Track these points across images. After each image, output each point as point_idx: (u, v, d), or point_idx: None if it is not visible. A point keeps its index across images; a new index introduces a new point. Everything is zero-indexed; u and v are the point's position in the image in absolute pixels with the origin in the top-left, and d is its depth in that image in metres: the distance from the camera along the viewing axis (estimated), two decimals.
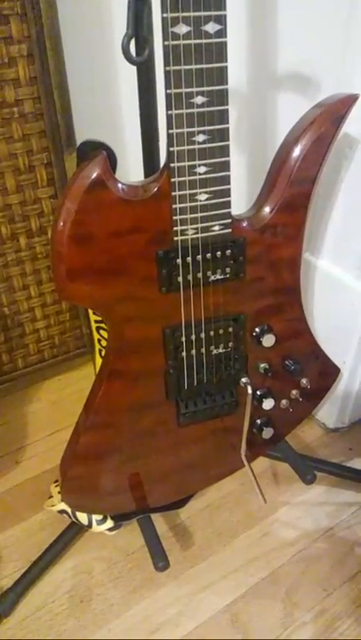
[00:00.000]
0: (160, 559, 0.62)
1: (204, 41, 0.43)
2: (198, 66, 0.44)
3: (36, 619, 0.64)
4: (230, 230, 0.52)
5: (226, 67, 0.45)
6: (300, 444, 0.83)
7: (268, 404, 0.62)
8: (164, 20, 0.42)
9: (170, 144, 0.47)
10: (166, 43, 0.43)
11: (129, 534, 0.71)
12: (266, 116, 0.72)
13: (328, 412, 0.84)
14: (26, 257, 0.75)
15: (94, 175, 0.46)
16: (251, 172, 0.76)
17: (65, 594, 0.66)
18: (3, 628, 0.63)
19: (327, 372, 0.68)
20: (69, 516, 0.68)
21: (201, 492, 0.76)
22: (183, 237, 0.51)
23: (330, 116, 0.52)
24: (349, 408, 0.82)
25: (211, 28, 0.43)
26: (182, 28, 0.42)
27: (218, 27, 0.43)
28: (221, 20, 0.43)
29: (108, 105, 0.74)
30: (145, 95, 0.49)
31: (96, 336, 0.75)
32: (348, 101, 0.52)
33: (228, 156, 0.49)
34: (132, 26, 0.38)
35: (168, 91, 0.44)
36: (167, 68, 0.44)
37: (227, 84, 0.46)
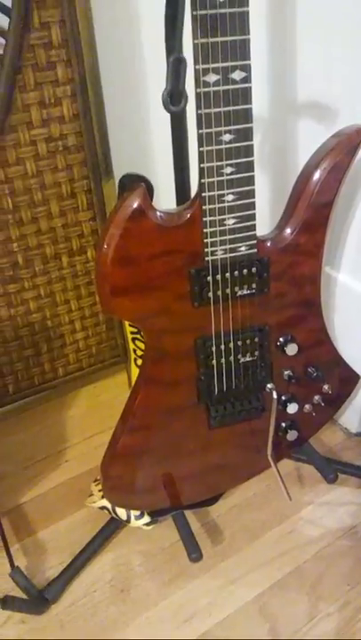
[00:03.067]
0: (194, 551, 0.67)
1: (231, 87, 0.49)
2: (226, 108, 0.50)
3: (81, 605, 0.70)
4: (255, 250, 0.58)
5: (250, 108, 0.51)
6: (323, 448, 0.87)
7: (292, 408, 0.68)
8: (196, 70, 0.48)
9: (201, 176, 0.53)
10: (198, 90, 0.49)
11: (164, 530, 0.76)
12: (287, 142, 0.78)
13: (350, 418, 0.88)
14: (67, 274, 0.83)
15: (135, 205, 0.53)
16: (274, 194, 0.82)
17: (106, 584, 0.72)
18: (51, 613, 0.69)
19: (348, 379, 0.72)
20: (109, 512, 0.74)
21: (230, 491, 0.80)
22: (213, 257, 0.57)
23: (345, 146, 0.58)
24: None
25: (237, 75, 0.49)
26: (212, 77, 0.49)
27: (243, 74, 0.49)
28: (246, 68, 0.49)
29: (142, 138, 0.81)
30: (177, 133, 0.56)
31: (131, 346, 0.81)
32: None
33: (253, 184, 0.55)
34: (171, 82, 0.44)
35: (200, 130, 0.51)
36: (199, 112, 0.50)
37: (251, 122, 0.52)
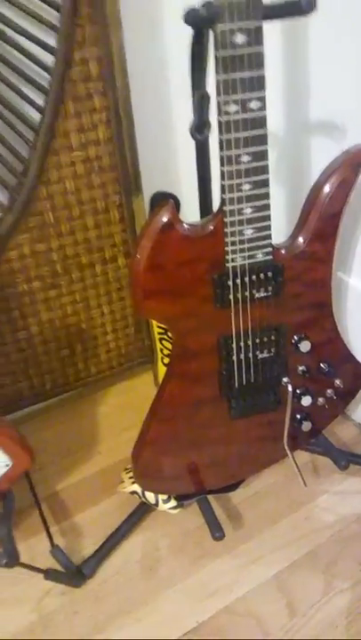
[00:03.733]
0: (217, 530, 0.74)
1: (249, 115, 0.57)
2: (245, 133, 0.57)
3: (113, 580, 0.77)
4: (271, 257, 0.64)
5: (266, 133, 0.58)
6: (338, 441, 0.92)
7: (306, 401, 0.74)
8: (218, 102, 0.56)
9: (222, 192, 0.60)
10: (220, 119, 0.56)
11: (189, 514, 0.82)
12: (301, 157, 0.85)
13: None
14: (100, 281, 0.91)
15: (165, 219, 0.60)
16: (289, 205, 0.88)
17: (136, 562, 0.79)
18: (87, 586, 0.76)
19: (358, 375, 0.78)
20: (139, 496, 0.81)
21: (250, 480, 0.87)
22: (233, 264, 0.63)
23: (352, 163, 0.64)
24: None
25: (254, 105, 0.56)
26: (232, 107, 0.56)
27: (259, 104, 0.56)
28: (262, 98, 0.56)
29: (168, 158, 0.89)
30: (201, 155, 0.63)
31: (159, 346, 0.88)
32: None
33: (268, 199, 0.61)
34: (197, 115, 0.52)
35: (222, 153, 0.58)
36: (221, 137, 0.57)
37: (266, 144, 0.59)
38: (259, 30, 0.53)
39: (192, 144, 0.64)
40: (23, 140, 0.75)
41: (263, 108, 0.57)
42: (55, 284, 0.87)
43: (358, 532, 0.80)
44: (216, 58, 0.53)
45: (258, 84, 0.56)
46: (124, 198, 0.84)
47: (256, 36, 0.53)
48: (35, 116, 0.74)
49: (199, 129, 0.52)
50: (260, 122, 0.57)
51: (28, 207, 0.78)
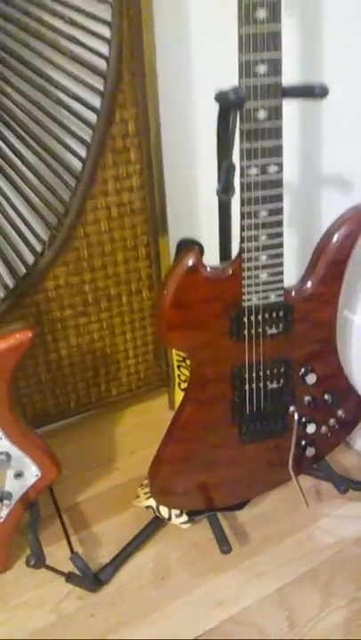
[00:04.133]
0: (225, 544, 0.80)
1: (267, 178, 0.66)
2: (263, 193, 0.66)
3: (128, 587, 0.83)
4: (283, 298, 0.73)
5: (281, 193, 0.67)
6: (340, 469, 0.99)
7: (310, 428, 0.81)
8: (241, 166, 0.65)
9: (242, 241, 0.68)
10: (242, 180, 0.65)
11: (199, 530, 0.89)
12: (313, 208, 0.94)
13: None
14: (125, 310, 0.99)
15: (190, 263, 0.68)
16: (301, 249, 0.97)
17: (149, 571, 0.85)
18: (103, 591, 0.82)
19: (359, 406, 0.86)
20: (153, 511, 0.88)
21: (257, 500, 0.93)
22: (249, 303, 0.72)
23: (357, 218, 0.73)
24: None
25: (272, 169, 0.65)
26: (253, 170, 0.65)
27: (277, 168, 0.66)
28: (280, 164, 0.66)
29: (193, 205, 0.99)
30: (223, 209, 0.72)
31: (176, 372, 0.96)
32: None
33: (282, 248, 0.70)
34: (223, 180, 0.61)
35: (242, 209, 0.67)
36: (242, 195, 0.66)
37: (282, 202, 0.68)
38: (278, 108, 0.63)
39: (215, 197, 0.74)
40: (65, 185, 0.85)
41: (280, 171, 0.66)
42: (85, 312, 0.96)
43: (356, 553, 0.86)
44: (241, 130, 0.63)
45: (276, 151, 0.65)
46: (152, 238, 0.93)
47: (276, 113, 0.63)
48: (77, 164, 0.84)
49: (225, 191, 0.61)
50: (277, 183, 0.66)
51: (66, 244, 0.88)
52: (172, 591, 0.82)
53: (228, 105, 0.58)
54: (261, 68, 0.60)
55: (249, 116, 0.62)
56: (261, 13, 0.58)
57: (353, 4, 0.77)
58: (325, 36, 0.81)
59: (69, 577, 0.79)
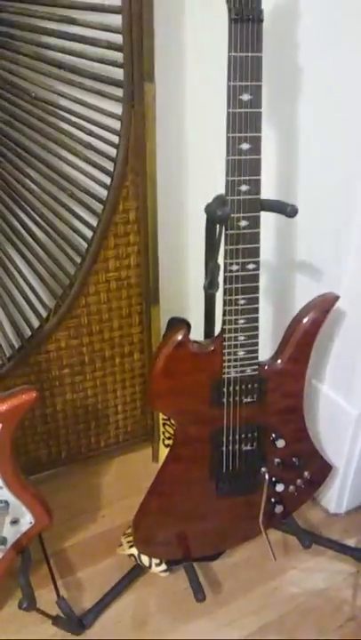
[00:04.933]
0: (199, 593, 0.88)
1: (246, 273, 0.78)
2: (242, 285, 0.78)
3: (109, 632, 0.89)
4: (257, 372, 0.84)
5: (257, 285, 0.79)
6: (307, 524, 1.08)
7: (279, 487, 0.90)
8: (225, 264, 0.77)
9: (223, 324, 0.80)
10: (225, 274, 0.77)
11: (176, 578, 0.96)
12: (287, 285, 1.06)
13: (329, 500, 1.09)
14: (117, 370, 1.09)
15: (179, 339, 0.79)
16: (276, 321, 1.09)
17: (128, 618, 0.92)
18: (86, 635, 0.89)
19: (324, 469, 0.96)
20: (135, 559, 0.95)
21: (230, 552, 1.01)
22: (228, 375, 0.82)
23: (322, 307, 0.84)
24: (345, 498, 1.08)
25: (250, 266, 0.77)
26: (234, 267, 0.77)
27: (254, 265, 0.78)
28: (257, 262, 0.78)
29: (181, 282, 1.12)
30: (209, 296, 0.85)
31: (161, 429, 1.05)
32: (334, 300, 0.85)
33: (257, 330, 0.81)
34: (209, 278, 0.73)
35: (224, 297, 0.78)
36: (225, 286, 0.78)
37: (258, 293, 0.79)
38: (257, 218, 0.76)
39: (202, 278, 0.86)
40: (72, 261, 0.97)
41: (257, 268, 0.78)
42: (81, 371, 1.06)
43: (318, 605, 0.94)
44: (225, 235, 0.75)
45: (254, 252, 0.77)
46: (145, 307, 1.04)
47: (255, 221, 0.76)
48: (83, 244, 0.96)
49: (211, 287, 0.73)
50: (254, 278, 0.78)
51: (69, 312, 0.99)
52: (150, 636, 0.89)
53: (216, 219, 0.71)
54: (244, 187, 0.73)
55: (233, 223, 0.75)
56: (245, 146, 0.71)
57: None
58: (303, 150, 0.96)
59: (56, 620, 0.86)
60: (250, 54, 0.67)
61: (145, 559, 0.95)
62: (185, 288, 1.15)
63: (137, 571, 0.97)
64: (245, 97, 0.70)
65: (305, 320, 0.85)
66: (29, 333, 0.99)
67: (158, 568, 0.95)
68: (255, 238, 0.76)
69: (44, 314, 0.99)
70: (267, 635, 0.89)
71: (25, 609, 0.80)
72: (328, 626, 0.90)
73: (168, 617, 0.92)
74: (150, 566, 0.95)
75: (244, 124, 0.71)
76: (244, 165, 0.72)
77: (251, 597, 0.95)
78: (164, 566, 0.95)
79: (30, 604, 0.80)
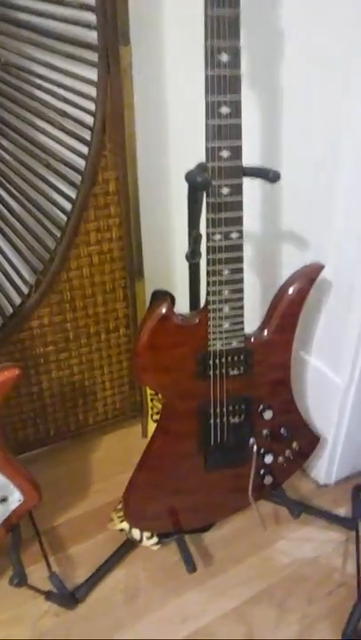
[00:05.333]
0: (190, 564, 0.88)
1: (229, 242, 0.76)
2: (226, 255, 0.76)
3: (101, 605, 0.90)
4: (243, 344, 0.82)
5: (241, 255, 0.77)
6: (296, 494, 1.08)
7: (268, 459, 0.90)
8: (208, 233, 0.75)
9: (208, 295, 0.78)
10: (208, 244, 0.75)
11: (168, 551, 0.97)
12: (273, 256, 1.05)
13: (319, 471, 1.10)
14: (103, 346, 1.08)
15: (163, 311, 0.78)
16: (262, 292, 1.08)
17: (120, 591, 0.92)
18: (78, 610, 0.89)
19: (312, 440, 0.96)
20: (126, 533, 0.96)
21: (220, 524, 1.02)
22: (214, 348, 0.81)
23: (308, 276, 0.83)
24: (334, 469, 1.08)
25: (234, 235, 0.76)
26: (217, 236, 0.75)
27: (238, 234, 0.76)
28: (240, 230, 0.76)
29: (166, 254, 1.09)
30: (193, 268, 0.82)
31: (150, 404, 1.04)
32: (319, 269, 0.84)
33: (242, 301, 0.80)
34: (191, 247, 0.71)
35: (208, 268, 0.76)
36: (208, 257, 0.76)
37: (242, 263, 0.77)
38: (239, 185, 0.73)
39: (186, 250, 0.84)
40: (51, 235, 0.94)
41: (240, 237, 0.76)
42: (66, 348, 1.04)
43: (308, 573, 0.95)
44: (207, 203, 0.73)
45: (237, 221, 0.75)
46: (129, 281, 1.02)
47: (237, 189, 0.73)
48: (62, 218, 0.94)
49: (193, 256, 0.71)
50: (238, 247, 0.77)
51: (51, 287, 0.96)
52: (142, 609, 0.90)
53: (196, 186, 0.69)
54: (225, 154, 0.71)
55: (214, 191, 0.72)
56: (224, 110, 0.69)
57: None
58: (287, 114, 0.93)
59: (48, 595, 0.86)
60: (227, 10, 0.64)
61: (136, 533, 0.95)
62: (170, 261, 1.12)
63: (128, 545, 0.98)
64: (224, 57, 0.67)
65: (290, 290, 0.83)
66: (11, 311, 0.97)
67: (149, 541, 0.95)
68: (238, 206, 0.74)
69: (25, 290, 0.97)
70: (258, 604, 0.90)
71: (16, 585, 0.80)
72: (318, 593, 0.91)
73: (160, 589, 0.93)
74: (141, 540, 0.95)
75: (223, 86, 0.68)
76: (224, 130, 0.70)
77: (242, 568, 0.96)
78: (155, 539, 0.95)
79: (21, 580, 0.80)
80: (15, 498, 0.86)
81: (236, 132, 0.70)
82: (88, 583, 0.92)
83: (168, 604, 0.91)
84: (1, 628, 0.88)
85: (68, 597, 0.89)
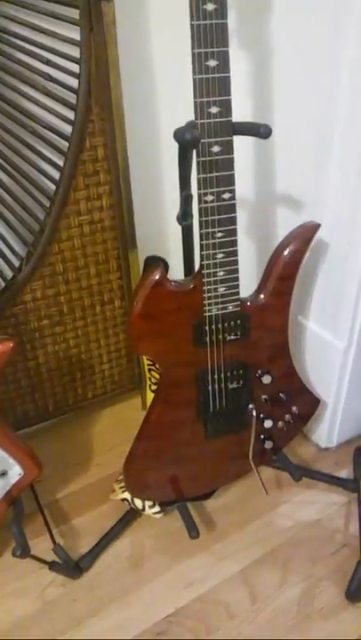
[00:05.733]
0: (193, 530, 0.88)
1: (222, 203, 0.74)
2: (218, 216, 0.75)
3: (107, 573, 0.91)
4: (239, 308, 0.81)
5: (235, 216, 0.75)
6: (298, 459, 1.08)
7: (267, 423, 0.90)
8: (199, 194, 0.73)
9: (201, 259, 0.77)
10: (200, 206, 0.73)
11: (170, 519, 0.97)
12: (268, 220, 1.03)
13: (319, 435, 1.10)
14: (99, 319, 1.07)
15: (156, 278, 0.76)
16: (259, 256, 1.06)
17: (125, 559, 0.93)
18: (83, 579, 0.90)
19: (311, 403, 0.95)
20: (128, 503, 0.96)
21: (221, 490, 1.02)
22: (210, 313, 0.80)
23: (303, 236, 0.82)
24: (335, 433, 1.08)
25: (226, 195, 0.74)
26: (209, 197, 0.73)
27: (230, 194, 0.74)
28: (232, 191, 0.74)
29: (159, 223, 1.07)
30: (186, 231, 0.81)
31: (147, 375, 1.04)
32: (315, 229, 0.82)
33: (237, 265, 0.78)
34: (182, 208, 0.69)
35: (201, 231, 0.75)
36: (200, 219, 0.74)
37: (235, 225, 0.76)
38: (230, 142, 0.71)
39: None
40: (40, 205, 0.92)
41: (233, 197, 0.74)
42: (61, 321, 1.03)
43: (311, 535, 0.95)
44: (197, 162, 0.71)
45: (229, 180, 0.73)
46: (122, 252, 1.00)
47: (228, 147, 0.71)
48: (51, 187, 0.91)
49: (184, 218, 0.70)
50: (231, 208, 0.75)
51: (42, 260, 0.95)
52: (147, 575, 0.90)
53: (185, 144, 0.67)
54: (214, 109, 0.68)
55: (204, 150, 0.70)
56: (212, 63, 0.66)
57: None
58: (276, 70, 0.90)
59: (52, 565, 0.87)
60: None
61: (138, 502, 0.95)
62: (163, 228, 1.10)
63: (131, 514, 0.98)
64: (210, 6, 0.64)
65: (286, 251, 0.82)
66: (3, 284, 0.96)
67: (152, 510, 0.95)
68: (229, 165, 0.72)
69: (16, 263, 0.96)
70: (262, 566, 0.91)
71: (19, 556, 0.80)
72: (321, 553, 0.92)
73: (164, 556, 0.93)
74: (144, 509, 0.95)
75: (210, 37, 0.65)
76: (212, 84, 0.67)
77: (245, 532, 0.96)
78: (157, 508, 0.95)
79: (24, 551, 0.80)
80: (15, 472, 0.86)
81: (224, 86, 0.68)
82: (92, 553, 0.93)
83: (172, 570, 0.91)
84: (7, 599, 0.88)
85: (73, 567, 0.89)
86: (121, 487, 0.97)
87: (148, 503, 0.95)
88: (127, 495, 0.95)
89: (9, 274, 0.96)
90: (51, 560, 0.88)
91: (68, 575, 0.89)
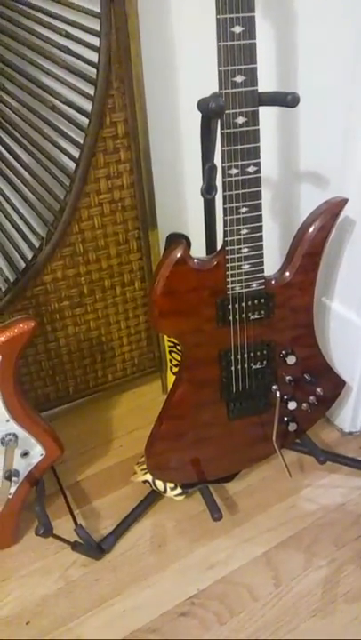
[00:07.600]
0: (216, 512, 0.87)
1: (246, 177, 0.72)
2: (243, 191, 0.73)
3: (128, 555, 0.90)
4: (263, 287, 0.79)
5: (260, 190, 0.73)
6: (322, 443, 1.06)
7: (291, 405, 0.88)
8: (223, 167, 0.71)
9: (225, 235, 0.75)
10: (224, 179, 0.71)
11: (192, 501, 0.96)
12: (292, 201, 1.00)
13: (343, 419, 1.08)
14: (119, 301, 1.06)
15: (178, 255, 0.75)
16: (282, 239, 1.04)
17: (147, 540, 0.93)
18: (105, 559, 0.90)
19: (336, 384, 0.93)
20: (150, 485, 0.95)
21: (244, 473, 1.01)
22: (233, 291, 0.78)
23: (330, 212, 0.79)
24: (360, 416, 1.06)
25: (251, 169, 0.72)
26: (233, 170, 0.71)
27: (255, 168, 0.72)
28: (257, 164, 0.72)
29: (180, 201, 1.05)
30: (208, 206, 0.79)
31: (168, 357, 1.03)
32: (342, 204, 0.79)
33: (261, 241, 0.76)
34: (206, 181, 0.67)
35: (224, 205, 0.73)
36: (224, 193, 0.72)
37: (260, 199, 0.74)
38: (255, 113, 0.69)
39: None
40: (60, 184, 0.91)
41: (258, 171, 0.72)
42: (81, 303, 1.02)
43: (335, 519, 0.94)
44: (222, 134, 0.69)
45: (254, 153, 0.71)
46: (142, 232, 0.99)
47: (253, 118, 0.69)
48: (71, 165, 0.90)
49: (208, 191, 0.68)
50: (256, 182, 0.73)
51: (62, 239, 0.94)
52: (169, 557, 0.90)
53: (209, 113, 0.64)
54: (239, 78, 0.66)
55: (229, 121, 0.68)
56: (237, 29, 0.64)
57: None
58: (301, 38, 0.87)
59: (75, 546, 0.86)
60: None
61: (160, 484, 0.94)
62: (185, 207, 1.08)
63: (152, 496, 0.97)
64: None
65: (312, 228, 0.79)
66: (23, 265, 0.95)
67: (173, 492, 0.94)
68: (255, 137, 0.70)
69: (36, 244, 0.95)
70: (285, 549, 0.89)
71: (42, 535, 0.80)
72: (346, 537, 0.90)
73: (186, 537, 0.92)
74: (165, 491, 0.95)
75: (235, 2, 0.63)
76: (237, 52, 0.65)
77: (268, 515, 0.95)
78: (178, 490, 0.94)
79: (47, 529, 0.80)
80: (37, 452, 0.86)
81: (250, 53, 0.65)
82: (114, 534, 0.92)
83: (195, 552, 0.90)
84: (31, 577, 0.89)
85: (95, 548, 0.89)
86: (142, 469, 0.97)
87: (169, 485, 0.94)
88: (149, 477, 0.94)
89: (29, 254, 0.95)
90: (73, 540, 0.87)
91: (90, 556, 0.89)
